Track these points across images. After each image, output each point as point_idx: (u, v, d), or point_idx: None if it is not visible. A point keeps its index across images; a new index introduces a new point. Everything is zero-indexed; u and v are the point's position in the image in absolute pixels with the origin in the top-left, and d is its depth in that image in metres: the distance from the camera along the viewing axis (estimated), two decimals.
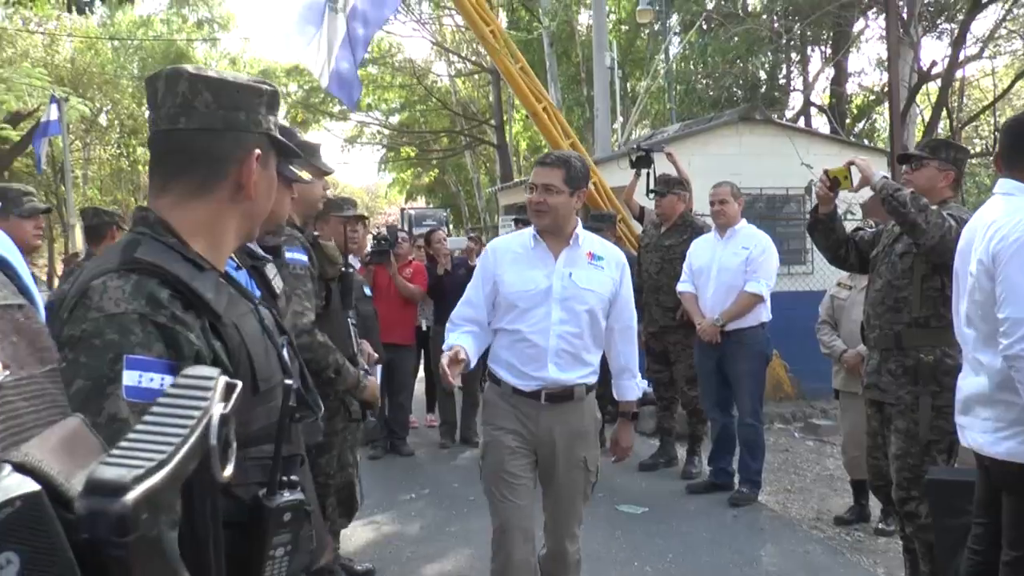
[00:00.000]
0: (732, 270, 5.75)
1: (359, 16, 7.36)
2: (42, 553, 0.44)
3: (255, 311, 1.54)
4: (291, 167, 2.51)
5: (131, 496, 0.50)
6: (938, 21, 15.84)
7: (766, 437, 6.15)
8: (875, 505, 5.22)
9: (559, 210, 3.28)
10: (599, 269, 3.37)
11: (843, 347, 5.27)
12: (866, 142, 17.74)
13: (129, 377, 1.25)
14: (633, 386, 3.55)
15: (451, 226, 26.02)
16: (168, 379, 1.28)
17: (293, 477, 1.34)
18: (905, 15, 12.94)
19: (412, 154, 28.35)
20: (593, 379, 3.39)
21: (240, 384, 0.72)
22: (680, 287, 6.05)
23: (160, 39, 25.97)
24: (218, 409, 0.64)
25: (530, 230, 3.42)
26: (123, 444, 0.55)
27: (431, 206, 29.59)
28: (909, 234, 3.61)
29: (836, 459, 6.59)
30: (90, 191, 27.55)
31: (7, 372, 0.60)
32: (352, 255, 4.50)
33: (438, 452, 7.44)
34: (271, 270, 2.70)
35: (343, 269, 3.89)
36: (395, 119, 28.05)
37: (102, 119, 26.20)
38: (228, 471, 0.68)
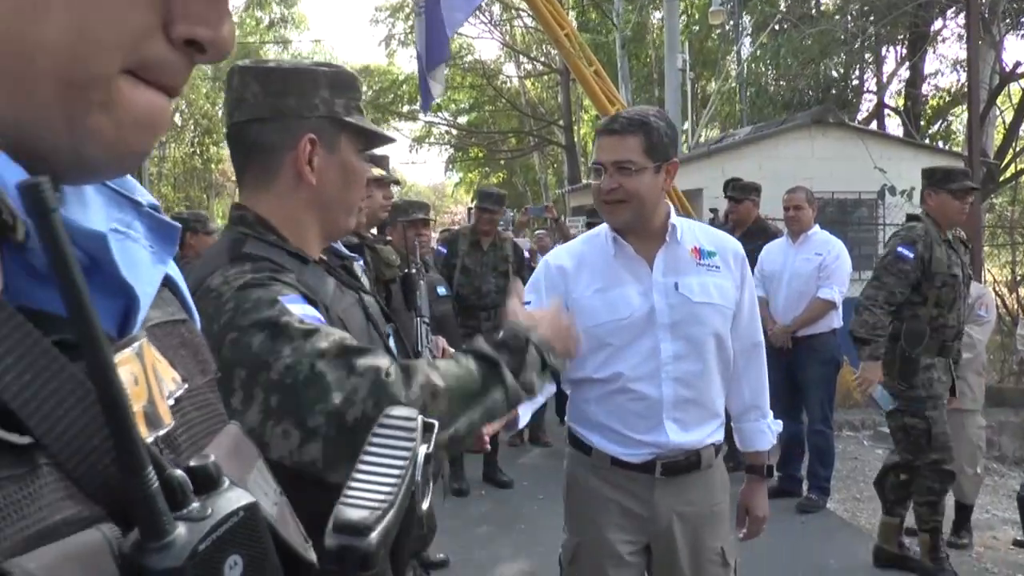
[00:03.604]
0: (804, 276, 5.73)
1: (437, 16, 7.51)
2: (257, 556, 0.53)
3: (360, 301, 1.55)
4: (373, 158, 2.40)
5: (374, 536, 0.61)
6: (1023, 19, 15.40)
7: (835, 444, 6.11)
8: (946, 517, 5.16)
9: (643, 197, 2.28)
10: (714, 271, 2.36)
11: None
12: (941, 144, 17.36)
13: (292, 309, 1.28)
14: (763, 429, 2.53)
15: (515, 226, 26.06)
16: (310, 309, 1.33)
17: None
18: (987, 13, 12.62)
19: (480, 155, 28.53)
20: (721, 434, 2.45)
21: (437, 424, 0.81)
22: None
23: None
24: (423, 450, 0.75)
25: (604, 229, 2.43)
26: (353, 485, 0.65)
27: None
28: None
29: None
30: (164, 188, 28.30)
31: (185, 384, 0.68)
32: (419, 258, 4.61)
33: (506, 450, 7.53)
34: (359, 268, 2.81)
35: (406, 271, 3.97)
36: (464, 119, 28.28)
37: (177, 118, 26.92)
38: (426, 504, 0.78)
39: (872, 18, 14.73)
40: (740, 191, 6.50)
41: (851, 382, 8.44)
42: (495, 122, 27.91)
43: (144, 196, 0.65)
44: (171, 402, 0.61)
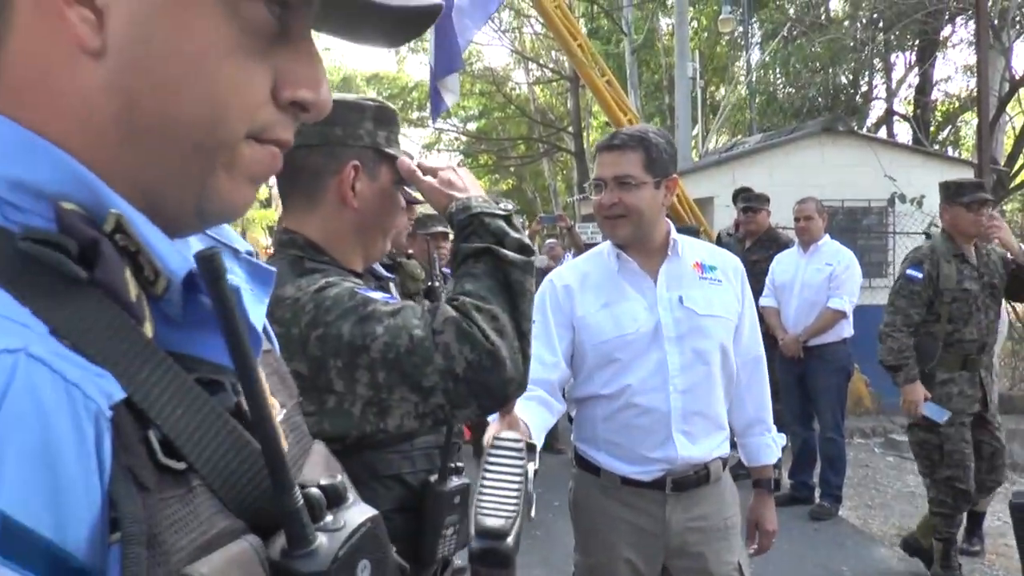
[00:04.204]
0: (815, 286, 5.80)
1: (451, 27, 7.52)
2: (381, 560, 0.61)
3: None
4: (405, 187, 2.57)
5: (510, 539, 0.72)
6: None
7: (846, 452, 6.17)
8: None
9: (643, 212, 2.32)
10: (716, 284, 2.40)
11: None
12: (950, 150, 17.38)
13: (371, 295, 1.40)
14: (768, 443, 2.56)
15: (525, 231, 26.06)
16: (385, 295, 1.44)
17: (459, 464, 1.52)
18: (996, 21, 12.66)
19: (490, 161, 28.59)
20: (727, 447, 2.44)
21: (538, 445, 0.93)
22: (762, 302, 6.09)
23: None
24: (532, 467, 0.86)
25: (606, 246, 2.47)
26: (483, 498, 0.77)
27: None
28: None
29: (916, 476, 6.54)
30: None
31: (284, 410, 0.76)
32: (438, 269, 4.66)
33: None
34: (393, 288, 2.90)
35: (429, 284, 4.04)
36: (473, 126, 28.36)
37: None
38: (533, 512, 0.91)
39: (881, 25, 14.78)
40: (756, 201, 6.55)
41: (863, 390, 8.53)
42: (504, 128, 27.96)
43: (242, 244, 0.74)
44: None
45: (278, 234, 1.60)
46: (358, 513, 0.61)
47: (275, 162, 0.65)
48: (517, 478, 0.82)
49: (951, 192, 4.47)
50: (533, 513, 0.92)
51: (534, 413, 2.12)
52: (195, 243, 0.70)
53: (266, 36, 0.60)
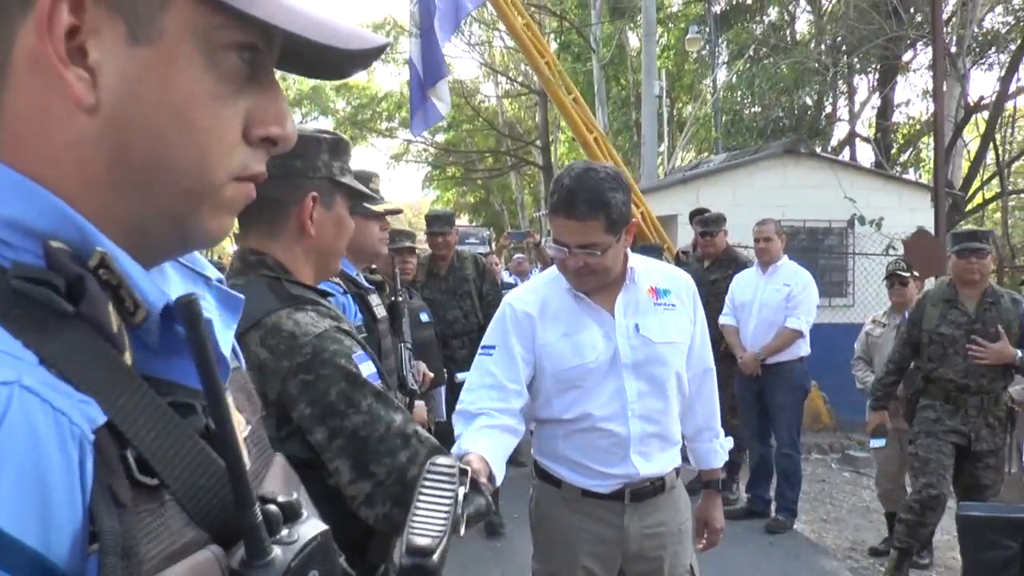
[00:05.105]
0: (773, 306, 5.92)
1: (431, 35, 7.49)
2: (330, 570, 0.68)
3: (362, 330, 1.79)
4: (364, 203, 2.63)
5: (436, 556, 0.80)
6: (988, 52, 15.79)
7: (803, 467, 6.29)
8: None
9: (608, 267, 2.35)
10: (670, 309, 2.45)
11: None
12: (911, 171, 17.75)
13: (362, 369, 1.50)
14: (716, 449, 2.67)
15: (492, 245, 26.11)
16: (372, 366, 1.54)
17: None
18: (952, 48, 12.99)
19: (457, 174, 28.60)
20: (679, 459, 2.55)
21: (469, 469, 1.01)
22: (722, 320, 6.21)
23: None
24: (462, 491, 0.94)
25: (556, 273, 2.48)
26: (416, 518, 0.85)
27: (474, 224, 29.76)
28: None
29: (872, 491, 6.71)
30: None
31: (249, 426, 0.82)
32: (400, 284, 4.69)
33: None
34: (374, 299, 2.96)
35: (391, 299, 4.08)
36: (441, 138, 28.39)
37: None
38: (462, 531, 0.99)
39: (844, 49, 15.09)
40: (714, 224, 6.64)
41: (821, 407, 8.69)
42: (472, 141, 28.02)
43: (212, 272, 0.80)
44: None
45: (243, 254, 1.65)
46: (311, 528, 0.67)
47: (251, 194, 0.72)
48: (447, 500, 0.90)
49: (950, 241, 4.84)
50: (463, 531, 1.01)
51: (497, 442, 2.15)
52: (170, 271, 0.76)
53: (238, 81, 0.66)
